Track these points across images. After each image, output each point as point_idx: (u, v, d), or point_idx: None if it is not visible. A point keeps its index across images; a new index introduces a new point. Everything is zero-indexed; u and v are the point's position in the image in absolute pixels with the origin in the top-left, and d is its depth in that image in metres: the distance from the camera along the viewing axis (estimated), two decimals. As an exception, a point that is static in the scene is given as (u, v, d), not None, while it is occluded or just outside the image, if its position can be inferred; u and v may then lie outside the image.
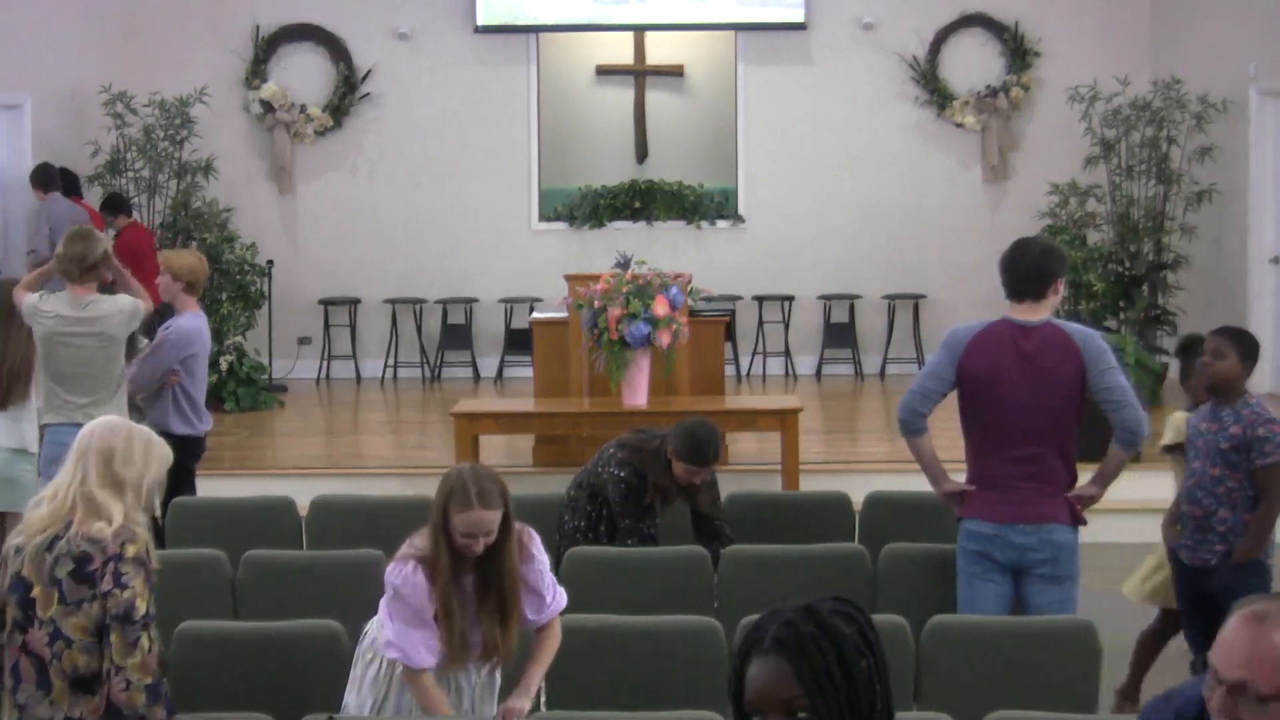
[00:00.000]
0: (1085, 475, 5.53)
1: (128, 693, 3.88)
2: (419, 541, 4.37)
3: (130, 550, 3.95)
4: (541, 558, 4.52)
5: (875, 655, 2.36)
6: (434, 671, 4.40)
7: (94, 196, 12.26)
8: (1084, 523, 5.47)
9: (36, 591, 3.94)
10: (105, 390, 6.93)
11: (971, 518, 5.45)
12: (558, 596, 4.59)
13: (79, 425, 6.85)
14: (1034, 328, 5.39)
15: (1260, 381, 11.50)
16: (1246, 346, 5.66)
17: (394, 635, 4.37)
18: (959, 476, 5.57)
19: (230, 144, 13.30)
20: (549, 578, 4.56)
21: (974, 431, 5.47)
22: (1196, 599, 5.71)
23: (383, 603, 4.46)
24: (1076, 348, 5.36)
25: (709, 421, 6.37)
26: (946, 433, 5.81)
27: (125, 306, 6.99)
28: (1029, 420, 5.34)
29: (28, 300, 6.90)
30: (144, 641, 3.92)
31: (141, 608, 3.93)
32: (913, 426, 5.46)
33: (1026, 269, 5.43)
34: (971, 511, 5.45)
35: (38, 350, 6.96)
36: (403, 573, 4.32)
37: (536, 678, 4.56)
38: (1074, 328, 5.51)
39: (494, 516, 4.26)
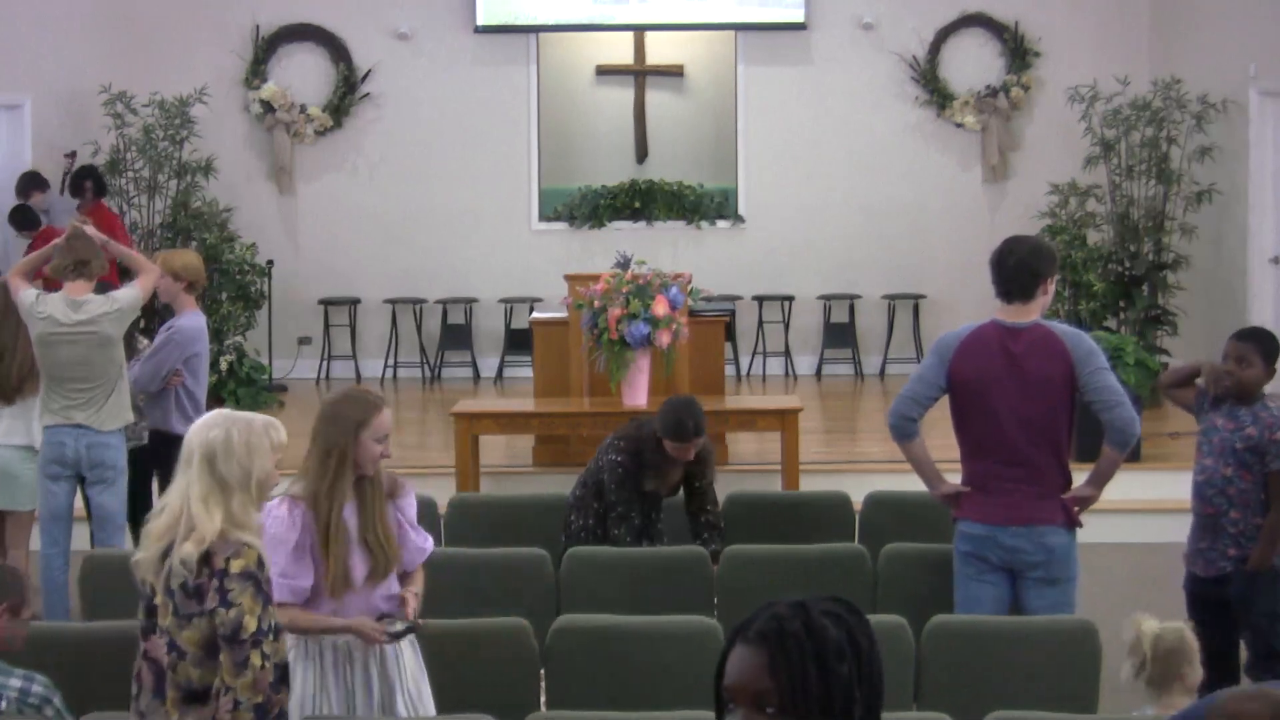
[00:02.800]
0: (1081, 477, 5.52)
1: (235, 713, 3.76)
2: (294, 488, 4.46)
3: (236, 565, 3.79)
4: (413, 498, 4.70)
5: (861, 661, 2.32)
6: (324, 609, 4.43)
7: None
8: (1080, 525, 5.45)
9: (158, 599, 3.85)
10: (102, 390, 6.92)
11: (965, 519, 5.45)
12: (428, 540, 4.71)
13: (77, 426, 6.93)
14: (1022, 329, 5.37)
15: (1260, 381, 11.50)
16: (1271, 350, 5.60)
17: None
18: (954, 477, 5.57)
19: (230, 144, 13.30)
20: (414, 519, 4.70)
21: (966, 434, 5.47)
22: (1209, 609, 5.62)
23: None
24: (1066, 349, 5.34)
25: (689, 397, 6.49)
26: (944, 434, 5.80)
27: (120, 304, 6.95)
28: (1020, 423, 5.32)
29: (24, 297, 6.88)
30: (255, 659, 3.77)
31: (251, 625, 3.76)
32: (904, 431, 5.46)
33: (1015, 268, 5.40)
34: (965, 513, 5.45)
35: (35, 352, 6.96)
36: (267, 508, 4.36)
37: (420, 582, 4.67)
38: (1063, 328, 5.48)
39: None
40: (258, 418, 4.02)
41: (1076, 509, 5.43)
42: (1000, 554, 5.35)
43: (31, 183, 11.64)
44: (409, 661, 4.62)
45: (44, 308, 6.86)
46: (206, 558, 3.80)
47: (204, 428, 3.92)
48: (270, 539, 4.35)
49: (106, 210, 11.79)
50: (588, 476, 6.46)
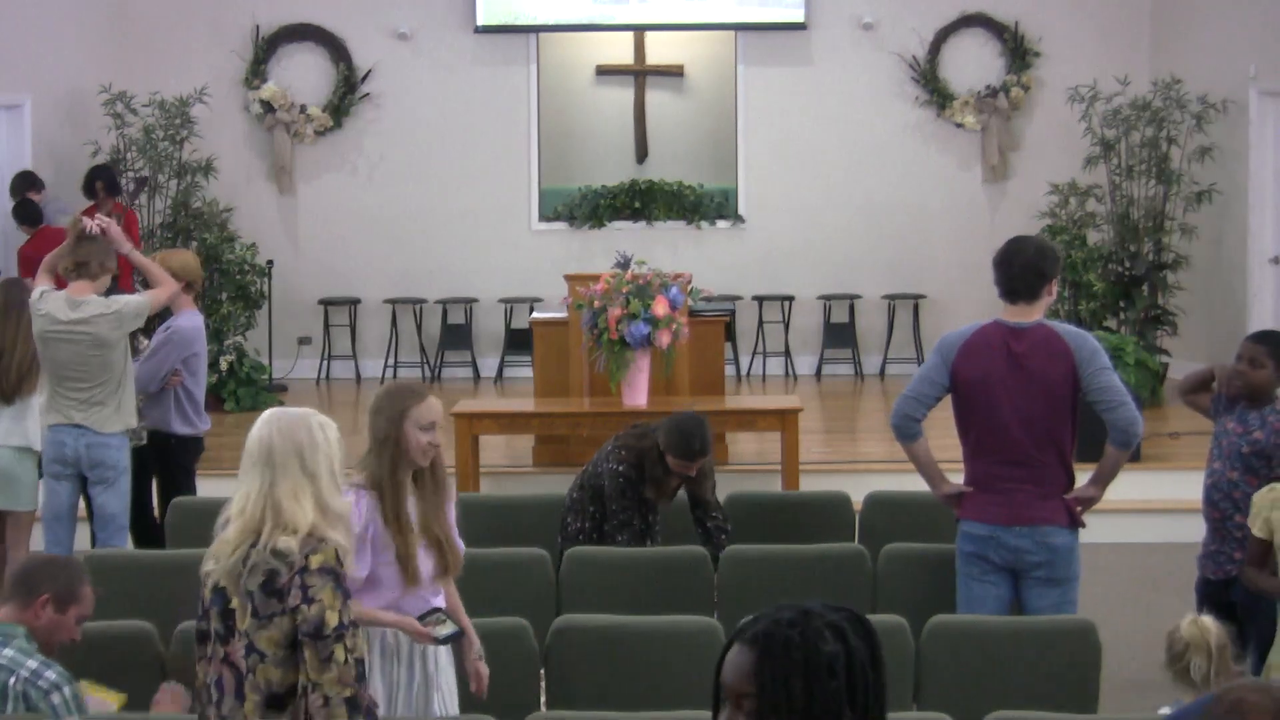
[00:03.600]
0: (1083, 477, 5.52)
1: (327, 709, 3.72)
2: (356, 478, 4.49)
3: (315, 561, 3.76)
4: (454, 503, 4.75)
5: (854, 679, 2.27)
6: (378, 601, 4.49)
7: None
8: (1083, 525, 5.46)
9: (234, 603, 3.82)
10: (101, 391, 6.92)
11: (968, 519, 5.45)
12: (462, 547, 4.74)
13: (77, 427, 6.93)
14: (1025, 329, 5.37)
15: (1260, 381, 11.50)
16: None
17: None
18: (957, 477, 5.57)
19: (230, 144, 13.30)
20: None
21: (969, 434, 5.47)
22: (1218, 612, 5.65)
23: None
24: (1069, 349, 5.34)
25: (698, 415, 6.43)
26: (944, 434, 5.81)
27: (120, 308, 6.94)
28: (1023, 423, 5.33)
29: (33, 294, 6.92)
30: (339, 654, 3.75)
31: (333, 620, 3.74)
32: (907, 432, 5.46)
33: (1021, 269, 5.40)
34: (968, 513, 5.45)
35: (37, 350, 6.97)
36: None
37: (471, 629, 4.71)
38: (1066, 328, 5.49)
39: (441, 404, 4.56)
40: (313, 410, 4.00)
41: (1079, 509, 5.44)
42: (1003, 554, 5.36)
43: (27, 183, 11.61)
44: (445, 663, 4.68)
45: (44, 305, 6.88)
46: (287, 557, 3.78)
47: (283, 424, 3.87)
48: None
49: (128, 212, 11.79)
50: (585, 479, 6.46)
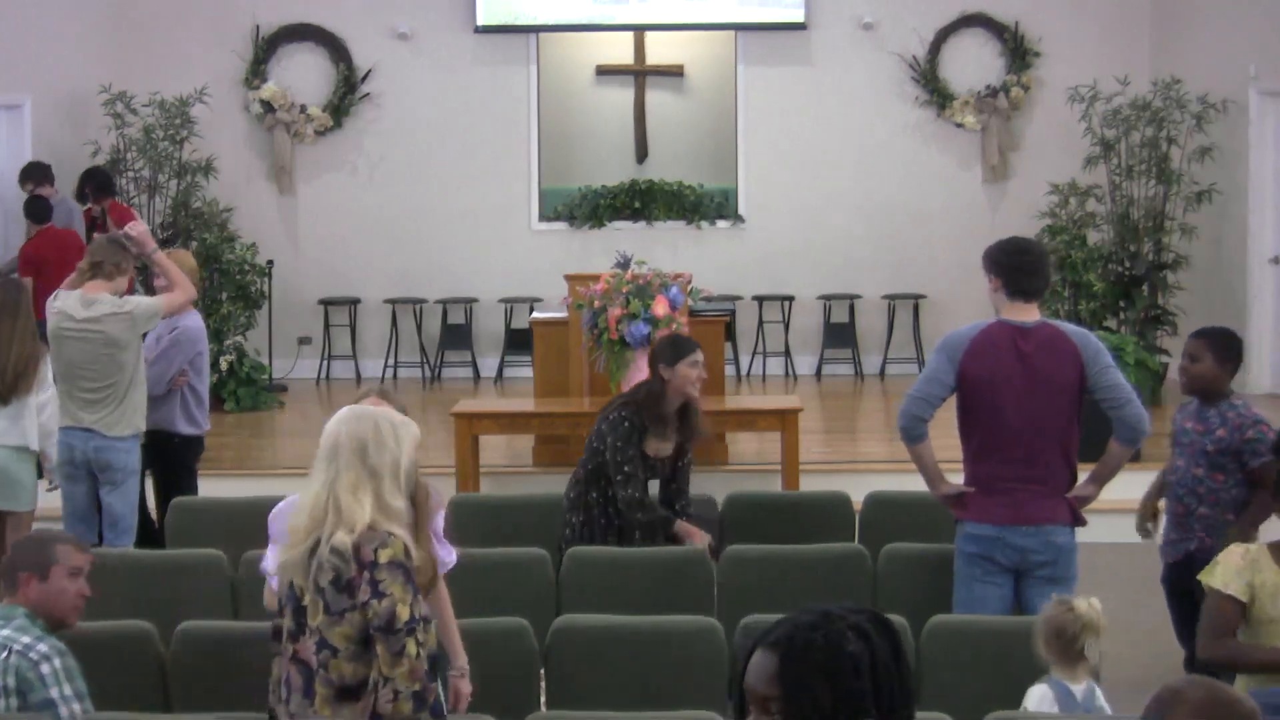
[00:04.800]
0: (1083, 475, 5.53)
1: (395, 703, 3.76)
2: None
3: (384, 556, 3.79)
4: (440, 510, 4.74)
5: (879, 679, 2.28)
6: None
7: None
8: (1084, 523, 5.47)
9: (307, 600, 3.83)
10: (112, 393, 6.96)
11: (971, 520, 5.44)
12: (451, 554, 4.75)
13: (86, 430, 6.95)
14: (1031, 328, 5.38)
15: (1260, 382, 11.51)
16: (1223, 348, 5.67)
17: (268, 554, 4.56)
18: (956, 478, 5.57)
19: (230, 144, 13.30)
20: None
21: (974, 434, 5.46)
22: (1178, 596, 5.76)
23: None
24: (1075, 347, 5.36)
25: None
26: (942, 434, 5.80)
27: (133, 309, 7.00)
28: (1031, 422, 5.33)
29: (50, 301, 7.04)
30: (410, 648, 3.78)
31: (404, 614, 3.77)
32: (915, 433, 5.45)
33: (1033, 267, 5.43)
34: (971, 514, 5.44)
35: (50, 348, 7.02)
36: (291, 498, 4.49)
37: (460, 645, 4.65)
38: (1069, 327, 5.52)
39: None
40: (395, 412, 4.04)
41: (1076, 507, 5.45)
42: (1009, 555, 5.35)
43: (40, 174, 11.48)
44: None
45: (58, 303, 6.97)
46: (355, 550, 3.79)
47: (352, 421, 3.91)
48: (278, 531, 4.44)
49: (121, 207, 11.78)
50: (581, 470, 6.44)
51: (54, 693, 4.28)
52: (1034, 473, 5.36)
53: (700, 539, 6.16)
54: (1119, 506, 8.65)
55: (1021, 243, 5.58)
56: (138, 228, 7.33)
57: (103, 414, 6.95)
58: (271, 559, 4.57)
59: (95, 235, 11.66)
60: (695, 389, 6.36)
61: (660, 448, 6.36)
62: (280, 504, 4.68)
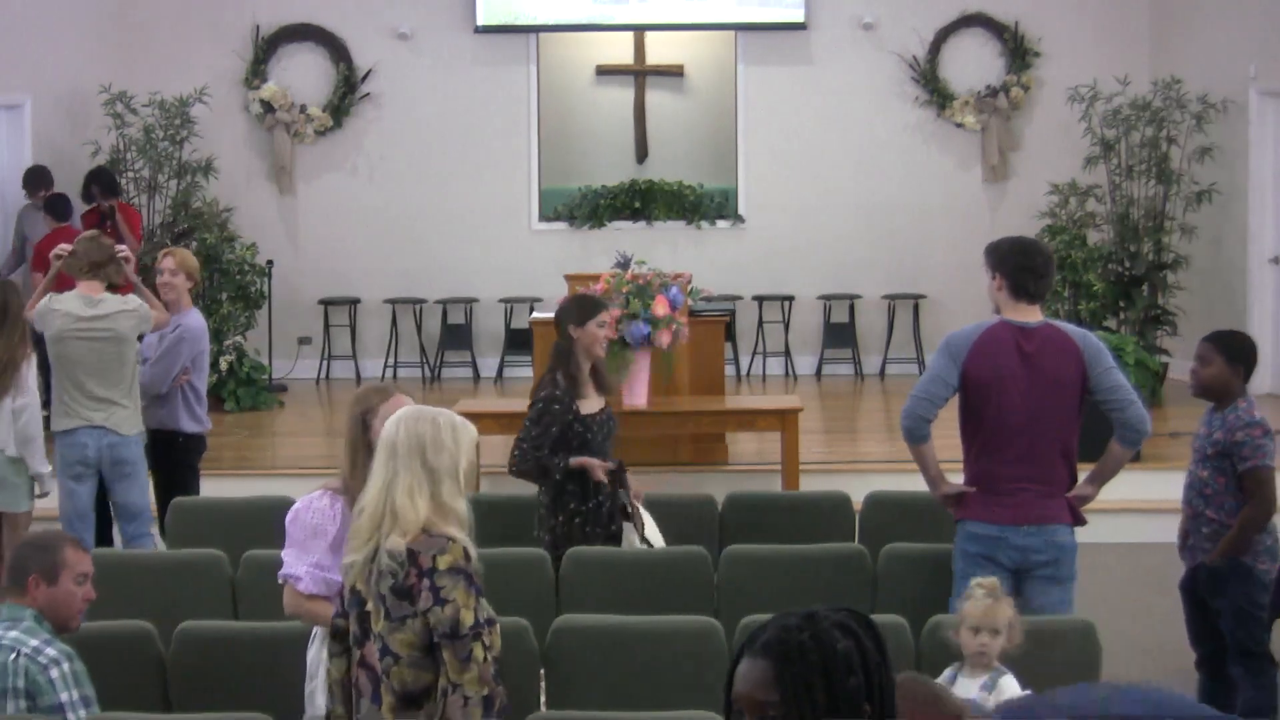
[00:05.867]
0: (1082, 475, 5.53)
1: (465, 709, 3.71)
2: (332, 482, 4.56)
3: (444, 562, 3.74)
4: None
5: (870, 674, 2.30)
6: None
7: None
8: (1083, 522, 5.48)
9: (369, 605, 3.80)
10: (119, 390, 7.00)
11: (973, 520, 5.43)
12: None
13: (98, 428, 6.95)
14: (1034, 329, 5.38)
15: (1260, 382, 11.50)
16: (1233, 350, 5.66)
17: (285, 557, 4.54)
18: (956, 477, 5.56)
19: (230, 144, 13.30)
20: None
21: (976, 434, 5.45)
22: (1195, 607, 5.77)
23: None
24: (1077, 348, 5.36)
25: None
26: (942, 434, 5.80)
27: (136, 307, 7.08)
28: (1033, 422, 5.33)
29: (38, 309, 6.98)
30: (478, 653, 3.73)
31: (468, 619, 3.72)
32: (919, 433, 5.44)
33: (1041, 270, 5.43)
34: (972, 514, 5.43)
35: (50, 352, 7.01)
36: (308, 499, 4.51)
37: None
38: (1071, 328, 5.51)
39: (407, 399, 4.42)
40: (453, 413, 3.97)
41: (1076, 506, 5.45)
42: (1011, 555, 5.34)
43: (39, 180, 11.50)
44: None
45: (59, 304, 6.97)
46: (413, 556, 3.74)
47: (410, 420, 3.85)
48: (309, 530, 4.45)
49: (128, 208, 11.77)
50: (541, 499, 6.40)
51: (63, 697, 4.28)
52: (1035, 472, 5.35)
53: (598, 468, 6.11)
54: (1119, 507, 8.66)
55: (1029, 244, 5.56)
56: (128, 256, 7.44)
57: (114, 413, 7.00)
58: (292, 562, 4.57)
59: (87, 233, 11.68)
60: (602, 349, 6.40)
61: (588, 405, 6.34)
62: (297, 504, 4.67)
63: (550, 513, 6.28)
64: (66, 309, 6.95)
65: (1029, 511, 5.34)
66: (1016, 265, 5.41)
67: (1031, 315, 5.41)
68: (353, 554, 3.83)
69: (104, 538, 7.40)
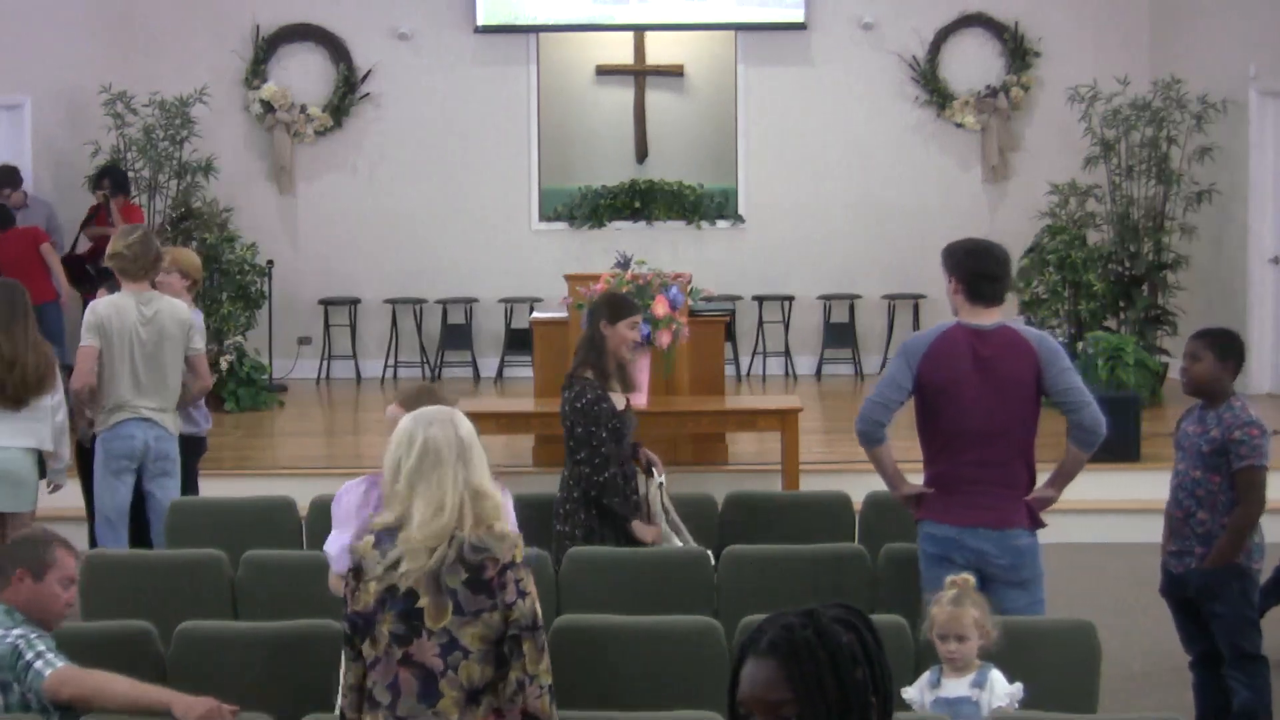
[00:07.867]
0: (1042, 478, 5.49)
1: (541, 699, 3.77)
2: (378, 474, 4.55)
3: (519, 555, 3.80)
4: None
5: (874, 666, 2.32)
6: None
7: (87, 197, 12.22)
8: (1043, 525, 5.43)
9: (424, 602, 3.77)
10: (166, 390, 7.09)
11: (931, 520, 5.40)
12: None
13: (147, 420, 6.99)
14: (989, 331, 5.34)
15: (1260, 382, 11.51)
16: (1224, 347, 5.62)
17: (330, 542, 4.66)
18: (916, 478, 5.54)
19: (230, 144, 13.30)
20: None
21: (934, 438, 5.42)
22: (1186, 611, 5.72)
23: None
24: (1033, 349, 5.32)
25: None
26: (903, 436, 5.77)
27: (181, 310, 7.17)
28: (989, 425, 5.29)
29: (100, 307, 7.04)
30: (545, 644, 3.83)
31: (539, 611, 3.81)
32: (874, 437, 5.42)
33: (996, 273, 5.38)
34: (930, 514, 5.40)
35: (105, 351, 7.05)
36: (350, 483, 4.68)
37: None
38: (1027, 330, 5.47)
39: None
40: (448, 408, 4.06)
41: (1037, 509, 5.40)
42: (966, 555, 5.29)
43: (6, 179, 11.49)
44: None
45: (108, 303, 7.07)
46: (490, 550, 3.78)
47: (440, 424, 3.88)
48: (347, 512, 4.56)
49: (132, 207, 11.78)
50: (566, 480, 6.40)
51: (29, 655, 4.32)
52: (993, 475, 5.31)
53: (651, 536, 6.21)
54: (1118, 507, 8.68)
55: (985, 247, 5.48)
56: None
57: (161, 409, 7.08)
58: (331, 543, 4.69)
59: (94, 227, 11.70)
60: (629, 351, 6.39)
61: (616, 401, 6.35)
62: (347, 484, 4.78)
63: (580, 506, 6.28)
64: (121, 304, 7.03)
65: (985, 514, 5.29)
66: (972, 269, 5.37)
67: (988, 318, 5.36)
68: (413, 559, 3.78)
69: (135, 539, 7.41)
